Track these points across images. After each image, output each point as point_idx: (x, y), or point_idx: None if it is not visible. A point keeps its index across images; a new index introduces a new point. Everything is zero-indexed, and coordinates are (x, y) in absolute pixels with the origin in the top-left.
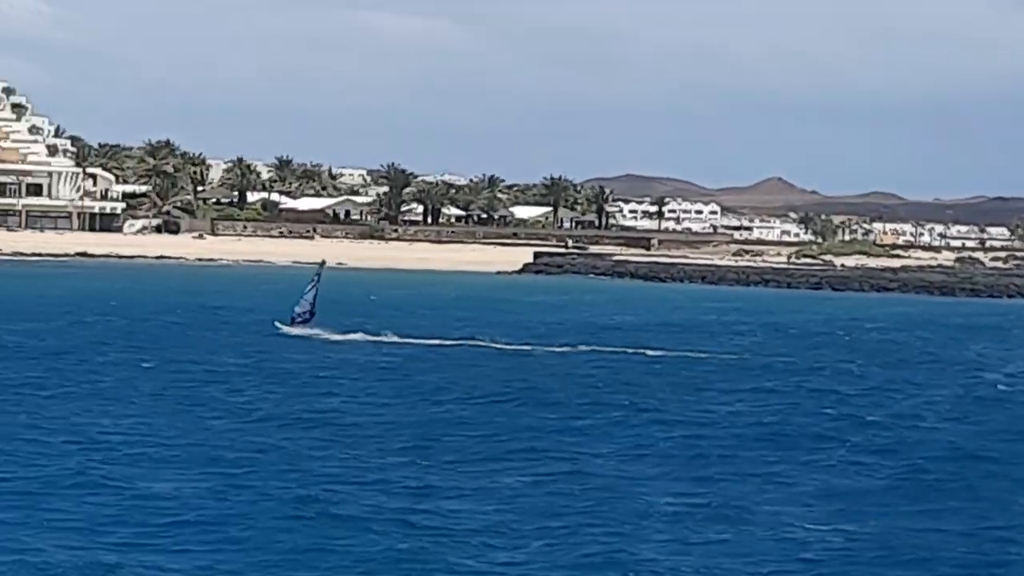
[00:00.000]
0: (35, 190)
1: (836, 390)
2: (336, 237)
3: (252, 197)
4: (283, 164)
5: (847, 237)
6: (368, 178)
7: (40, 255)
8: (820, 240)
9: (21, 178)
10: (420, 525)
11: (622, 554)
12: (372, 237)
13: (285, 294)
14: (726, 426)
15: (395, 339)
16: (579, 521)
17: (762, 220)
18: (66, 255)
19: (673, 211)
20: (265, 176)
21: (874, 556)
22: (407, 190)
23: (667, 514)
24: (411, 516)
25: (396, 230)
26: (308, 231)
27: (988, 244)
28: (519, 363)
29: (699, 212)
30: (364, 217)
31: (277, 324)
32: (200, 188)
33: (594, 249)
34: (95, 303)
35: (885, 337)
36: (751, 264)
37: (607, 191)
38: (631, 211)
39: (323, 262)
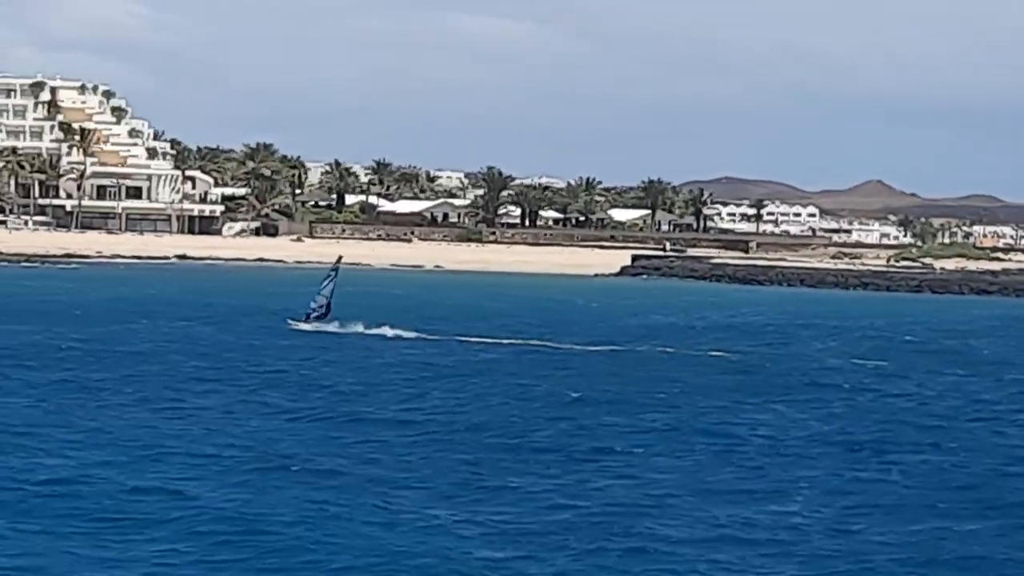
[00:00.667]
0: (135, 193)
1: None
2: (434, 240)
3: (350, 200)
4: (381, 167)
5: (947, 240)
6: (466, 181)
7: (139, 258)
8: (920, 243)
9: (121, 181)
10: None
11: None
12: (470, 240)
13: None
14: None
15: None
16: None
17: (861, 223)
18: (165, 258)
19: (771, 214)
20: (363, 179)
21: None
22: (505, 193)
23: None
24: None
25: (494, 233)
26: (406, 234)
27: None
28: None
29: (797, 215)
30: (462, 220)
31: (290, 321)
32: (298, 191)
33: (692, 252)
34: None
35: None
36: (850, 267)
37: (705, 194)
38: (729, 214)
39: (340, 258)
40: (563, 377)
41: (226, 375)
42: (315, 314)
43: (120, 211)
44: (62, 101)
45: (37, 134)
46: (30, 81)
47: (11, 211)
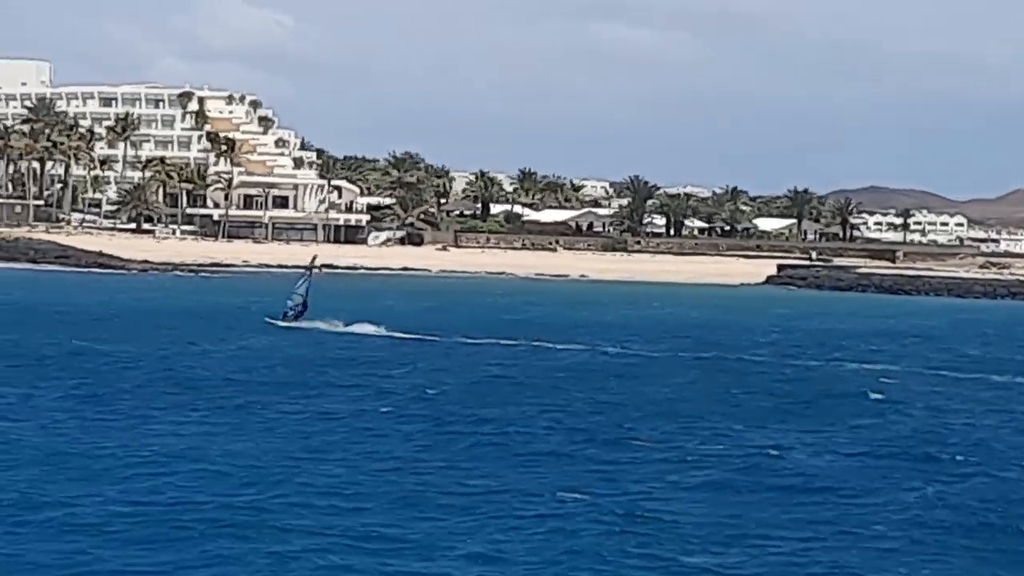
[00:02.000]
0: (281, 202)
1: None
2: (578, 249)
3: (495, 209)
4: (526, 176)
5: None
6: (611, 190)
7: (285, 267)
8: None
9: (268, 190)
10: None
11: None
12: (615, 249)
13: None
14: None
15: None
16: None
17: (1010, 232)
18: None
19: (918, 223)
20: (508, 188)
21: None
22: (650, 202)
23: None
24: None
25: (639, 242)
26: (551, 243)
27: None
28: None
29: (944, 224)
30: (606, 229)
31: (268, 320)
32: (443, 200)
33: (838, 261)
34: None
35: None
36: (998, 277)
37: (851, 203)
38: (875, 223)
39: (315, 257)
40: None
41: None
42: (292, 313)
43: (266, 220)
44: (210, 111)
45: (185, 144)
46: (178, 91)
47: (159, 220)
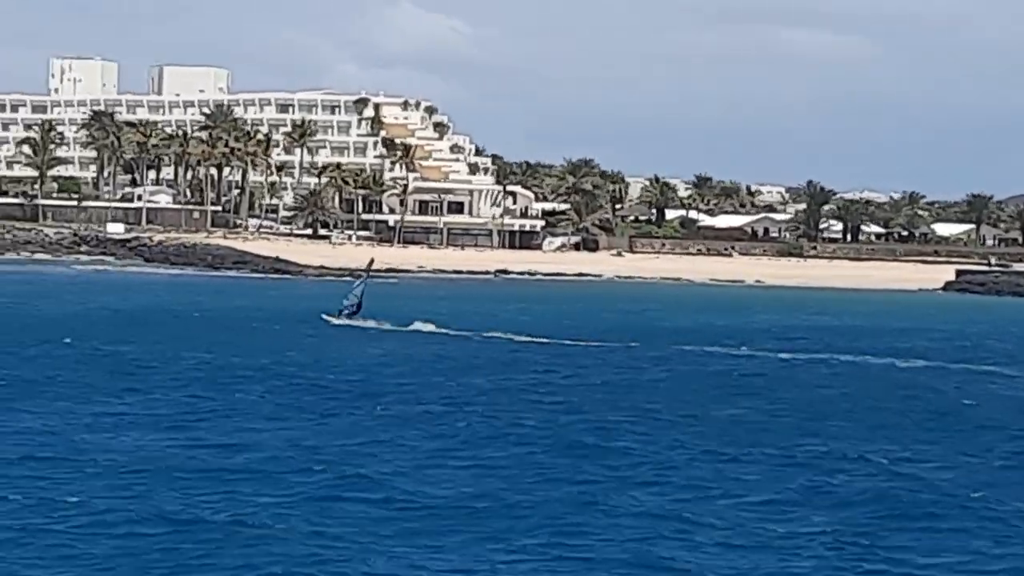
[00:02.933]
0: (456, 208)
1: None
2: (754, 254)
3: (670, 214)
4: (701, 181)
5: None
6: (786, 195)
7: (460, 272)
8: None
9: (443, 196)
10: None
11: None
12: (791, 255)
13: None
14: None
15: None
16: None
17: None
18: (486, 272)
19: None
20: (683, 193)
21: None
22: (826, 207)
23: None
24: None
25: (815, 247)
26: (726, 248)
27: None
28: None
29: None
30: (782, 235)
31: (324, 316)
32: (618, 206)
33: (1017, 267)
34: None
35: None
36: None
37: None
38: None
39: (372, 260)
40: None
41: None
42: (346, 311)
43: (442, 226)
44: (385, 117)
45: (361, 150)
46: (354, 98)
47: (335, 226)
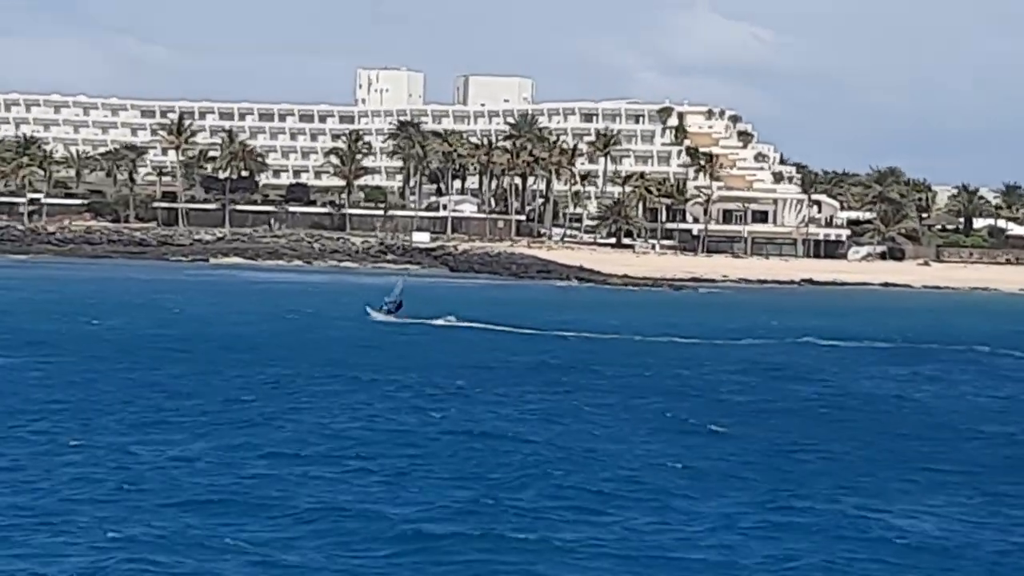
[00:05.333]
0: (760, 217)
1: None
2: None
3: (978, 223)
4: (1010, 190)
5: None
6: None
7: (765, 282)
8: None
9: (747, 205)
10: None
11: None
12: None
13: None
14: None
15: None
16: None
17: None
18: (791, 282)
19: None
20: (992, 202)
21: None
22: None
23: None
24: None
25: None
26: None
27: None
28: None
29: None
30: None
31: (367, 308)
32: (924, 215)
33: None
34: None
35: None
36: None
37: None
38: None
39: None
40: None
41: None
42: (386, 308)
43: (745, 235)
44: (689, 126)
45: (664, 159)
46: (658, 107)
47: (638, 235)
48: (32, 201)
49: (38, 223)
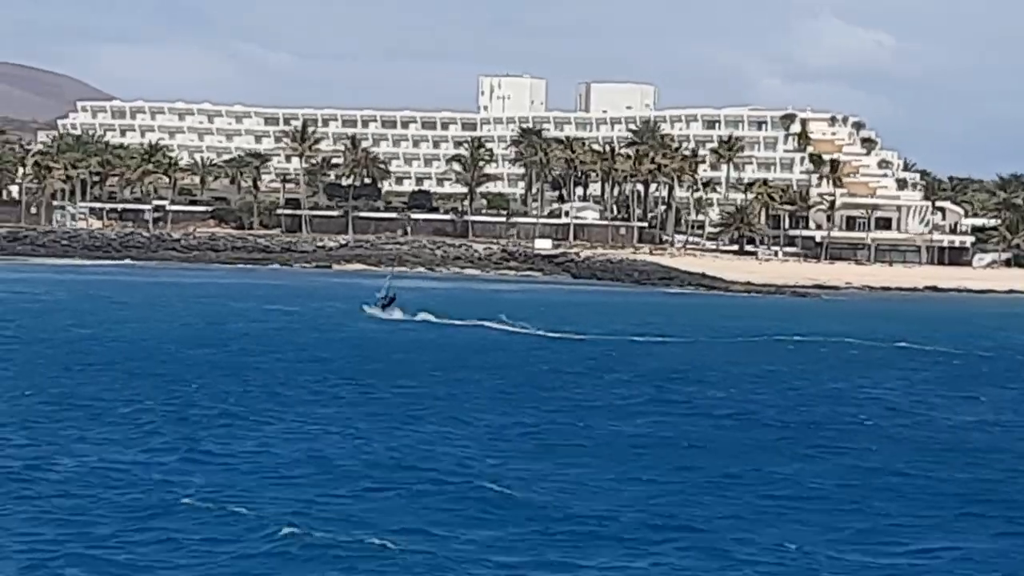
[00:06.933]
0: (884, 224)
1: None
2: None
3: None
4: None
5: None
6: None
7: (889, 289)
8: None
9: (870, 212)
10: None
11: None
12: None
13: None
14: None
15: None
16: None
17: None
18: (915, 289)
19: None
20: None
21: None
22: None
23: None
24: None
25: None
26: None
27: None
28: None
29: None
30: None
31: (363, 305)
32: None
33: None
34: None
35: None
36: None
37: None
38: None
39: (396, 261)
40: None
41: None
42: (379, 303)
43: (869, 242)
44: (812, 133)
45: (787, 166)
46: (781, 113)
47: (761, 242)
48: (157, 208)
49: (163, 229)
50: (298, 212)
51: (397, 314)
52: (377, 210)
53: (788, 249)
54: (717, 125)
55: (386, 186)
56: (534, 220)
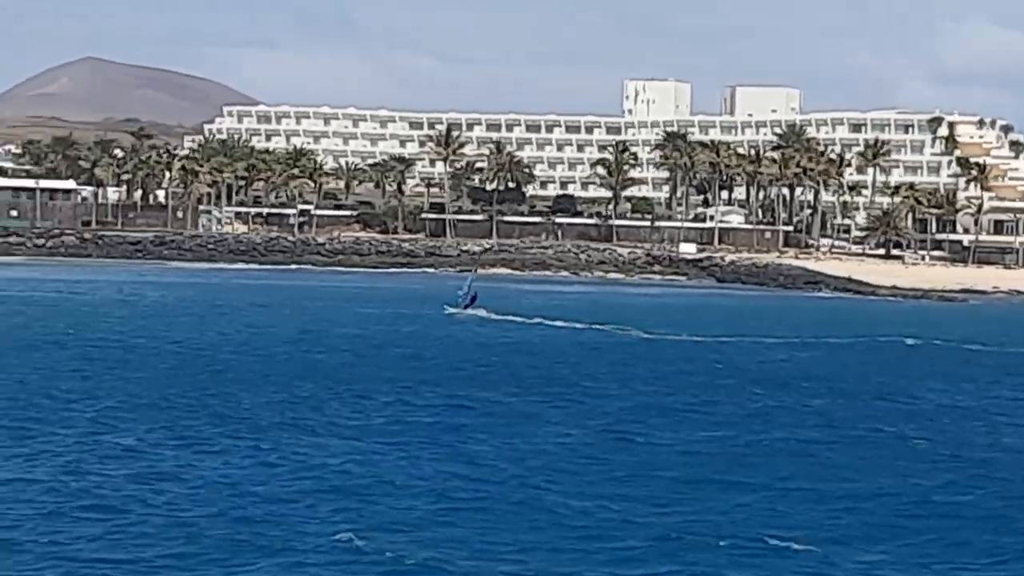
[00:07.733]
0: None
1: None
2: None
3: None
4: None
5: None
6: None
7: None
8: None
9: (1019, 216)
10: None
11: None
12: None
13: None
14: None
15: None
16: None
17: None
18: None
19: None
20: None
21: None
22: None
23: None
24: None
25: None
26: None
27: None
28: None
29: None
30: None
31: (446, 307)
32: None
33: None
34: None
35: None
36: None
37: None
38: None
39: (476, 267)
40: None
41: None
42: (461, 302)
43: (1017, 246)
44: (959, 136)
45: (934, 169)
46: (927, 116)
47: (908, 246)
48: (302, 212)
49: (308, 234)
50: (442, 216)
51: (482, 312)
52: (521, 214)
53: (935, 253)
54: (863, 128)
55: (530, 190)
56: (679, 224)
